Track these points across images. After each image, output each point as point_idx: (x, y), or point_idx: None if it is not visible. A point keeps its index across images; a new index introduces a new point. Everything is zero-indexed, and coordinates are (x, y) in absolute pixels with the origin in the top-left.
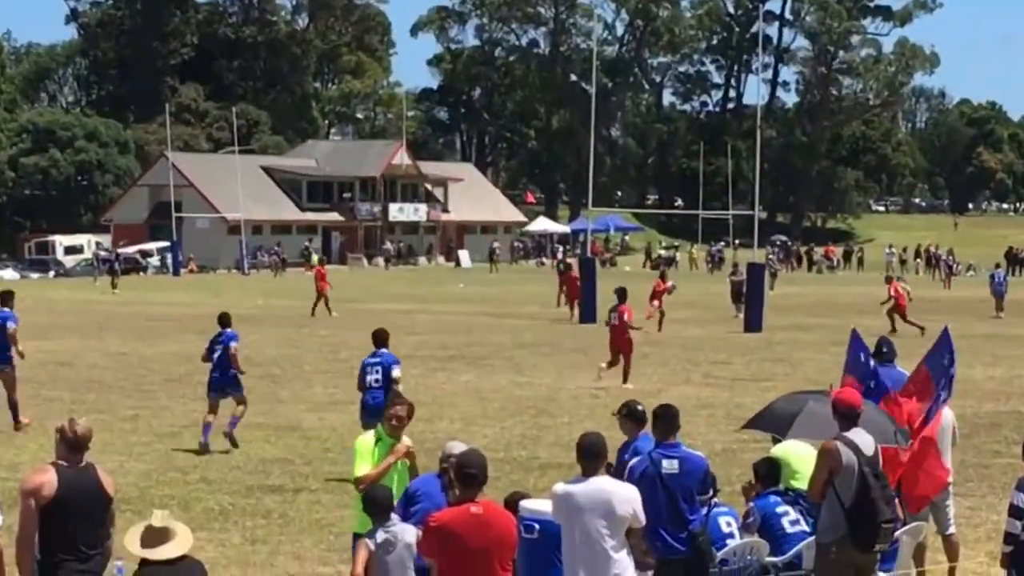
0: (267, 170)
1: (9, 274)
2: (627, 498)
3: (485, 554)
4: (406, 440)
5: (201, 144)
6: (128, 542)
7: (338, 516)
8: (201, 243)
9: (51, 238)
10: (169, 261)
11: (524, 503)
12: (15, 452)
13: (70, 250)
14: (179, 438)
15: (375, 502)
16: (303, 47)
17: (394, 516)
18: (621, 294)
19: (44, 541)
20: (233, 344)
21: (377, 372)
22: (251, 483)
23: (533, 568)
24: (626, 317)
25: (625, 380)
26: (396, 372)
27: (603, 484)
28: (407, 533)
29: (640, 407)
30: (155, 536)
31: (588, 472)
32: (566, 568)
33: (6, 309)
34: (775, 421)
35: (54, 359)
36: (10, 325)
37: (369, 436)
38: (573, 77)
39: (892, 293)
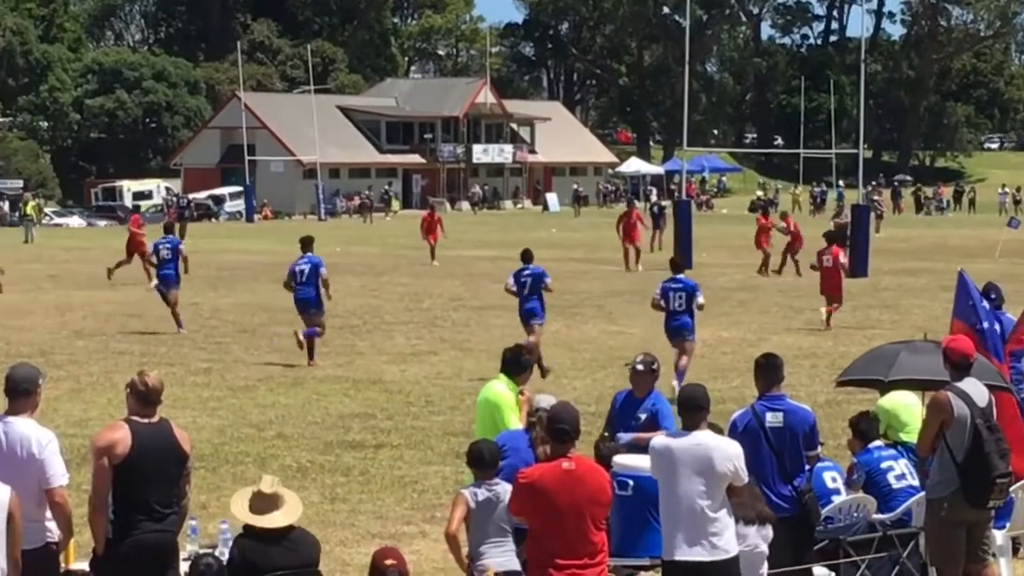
0: (344, 110)
1: (75, 221)
2: (728, 454)
3: (577, 512)
4: (527, 391)
5: (275, 83)
6: (235, 507)
7: (421, 473)
8: (275, 188)
9: (118, 183)
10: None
11: (617, 458)
12: (83, 408)
13: (138, 196)
14: (254, 392)
15: (483, 456)
16: None
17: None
18: (831, 237)
19: (117, 500)
20: (323, 269)
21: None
22: (330, 439)
23: (628, 526)
24: (842, 259)
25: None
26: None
27: (704, 439)
28: (508, 492)
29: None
30: (264, 502)
31: (689, 425)
32: (664, 526)
33: (313, 254)
34: (870, 369)
35: (123, 311)
36: (322, 270)
37: (503, 387)
38: (666, 9)
39: None
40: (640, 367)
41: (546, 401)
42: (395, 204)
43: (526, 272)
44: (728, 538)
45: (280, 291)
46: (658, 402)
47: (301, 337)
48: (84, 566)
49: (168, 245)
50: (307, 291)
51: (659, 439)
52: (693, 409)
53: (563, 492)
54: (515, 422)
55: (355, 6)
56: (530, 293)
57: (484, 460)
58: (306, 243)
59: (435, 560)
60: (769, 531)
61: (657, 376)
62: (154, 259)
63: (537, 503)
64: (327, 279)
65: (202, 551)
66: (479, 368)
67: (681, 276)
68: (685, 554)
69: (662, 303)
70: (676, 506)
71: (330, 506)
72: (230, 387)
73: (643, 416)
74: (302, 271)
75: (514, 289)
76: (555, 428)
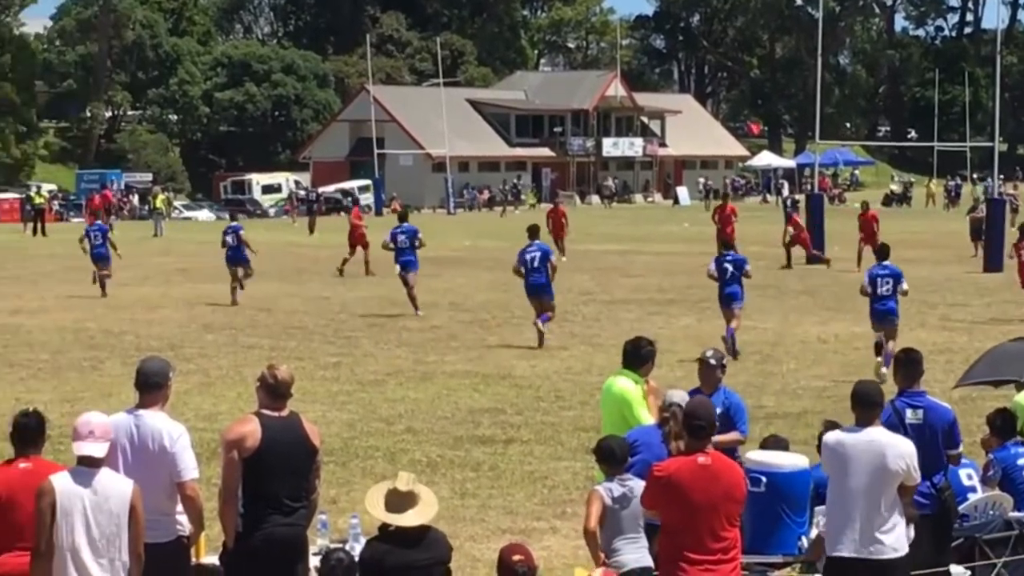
0: (473, 103)
1: (204, 215)
2: (901, 452)
3: (712, 507)
4: (652, 382)
5: (404, 76)
6: (369, 503)
7: (551, 468)
8: (404, 181)
9: (247, 177)
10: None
11: (750, 454)
12: (213, 402)
13: (267, 189)
14: (383, 386)
15: (613, 452)
16: None
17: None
18: None
19: (247, 494)
20: (552, 256)
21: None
22: (459, 434)
23: (760, 523)
24: None
25: None
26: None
27: (877, 435)
28: (641, 488)
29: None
30: (399, 500)
31: (862, 421)
32: (831, 522)
33: (540, 242)
34: (1001, 370)
35: (252, 305)
36: (552, 257)
37: (628, 381)
38: (798, 1)
39: None
40: (712, 361)
41: (679, 396)
42: (531, 197)
43: (531, 249)
44: (897, 537)
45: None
46: (730, 397)
47: (540, 326)
48: (214, 560)
49: (405, 233)
50: (538, 277)
51: (833, 434)
52: (867, 405)
53: (698, 488)
54: (645, 416)
55: None
56: (540, 267)
57: (615, 456)
58: (533, 232)
59: (565, 556)
60: (912, 531)
61: (725, 372)
62: (392, 245)
63: (671, 497)
64: (556, 265)
65: (333, 546)
66: (609, 363)
67: (888, 262)
68: (851, 550)
69: (869, 288)
70: (845, 502)
71: (460, 501)
72: (359, 381)
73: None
74: (532, 258)
75: (521, 269)
76: (692, 424)
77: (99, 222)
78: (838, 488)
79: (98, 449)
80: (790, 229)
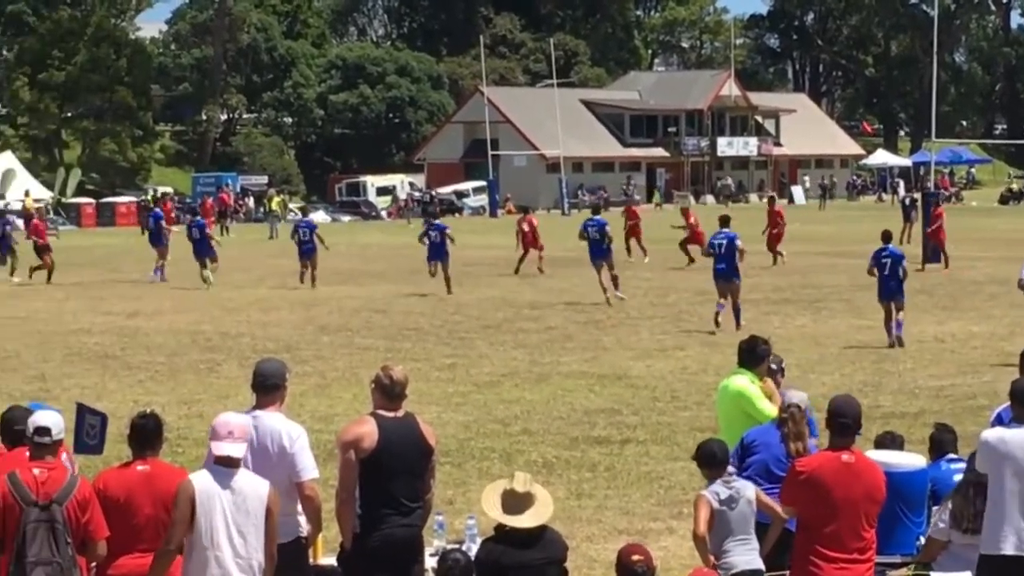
0: (587, 104)
1: (320, 217)
2: None
3: (853, 506)
4: (769, 381)
5: (517, 77)
6: (486, 504)
7: (667, 469)
8: (518, 182)
9: (362, 179)
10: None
11: (869, 453)
12: (329, 403)
13: (382, 191)
14: (499, 387)
15: (715, 455)
16: None
17: (730, 468)
18: None
19: (364, 494)
20: (739, 242)
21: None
22: (575, 434)
23: (879, 523)
24: None
25: None
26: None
27: None
28: (748, 489)
29: None
30: (516, 501)
31: (1021, 418)
32: (988, 519)
33: (729, 230)
34: None
35: (367, 306)
36: (738, 243)
37: (745, 380)
38: None
39: None
40: (772, 366)
41: (798, 397)
42: (656, 196)
43: (719, 236)
44: None
45: (524, 287)
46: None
47: (720, 314)
48: (332, 561)
49: (596, 226)
50: (725, 263)
51: (992, 431)
52: None
53: (840, 485)
54: (769, 409)
55: None
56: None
57: (716, 458)
58: (724, 220)
59: (682, 557)
60: None
61: (783, 376)
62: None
63: (812, 494)
64: (744, 250)
65: (449, 546)
66: (726, 362)
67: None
68: (1014, 548)
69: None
70: (1003, 499)
71: (576, 502)
72: (475, 382)
73: None
74: (720, 244)
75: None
76: (838, 422)
77: (199, 218)
78: (997, 486)
79: (237, 449)
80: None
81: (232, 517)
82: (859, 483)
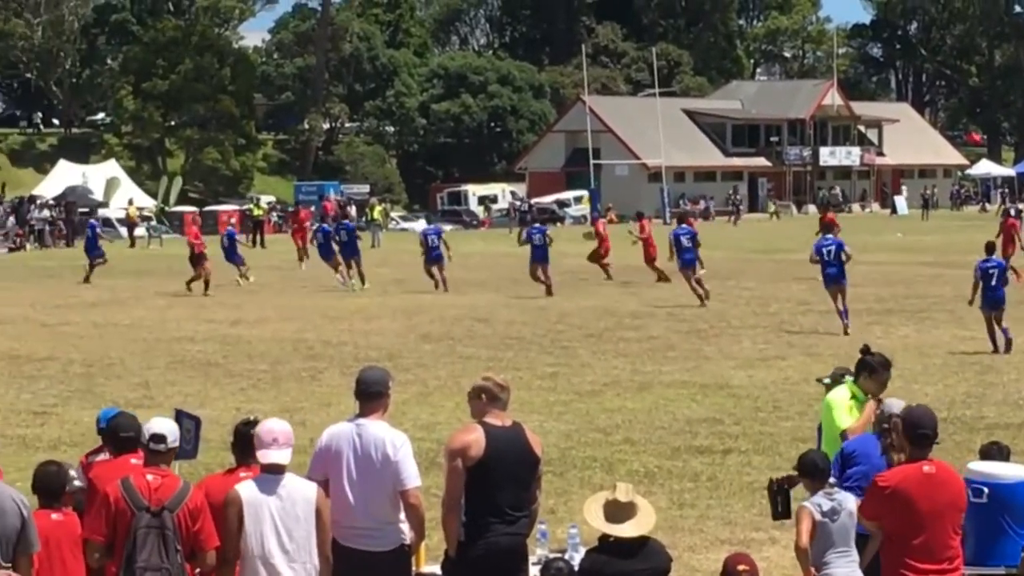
0: (689, 113)
1: (421, 226)
2: None
3: (938, 516)
4: (872, 403)
5: (619, 86)
6: (588, 513)
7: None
8: (620, 191)
9: (463, 188)
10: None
11: (972, 464)
12: (431, 412)
13: (483, 200)
14: (601, 396)
15: (816, 465)
16: None
17: (831, 479)
18: None
19: (470, 503)
20: (846, 248)
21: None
22: (677, 444)
23: (983, 535)
24: None
25: None
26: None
27: None
28: (849, 500)
29: None
30: (618, 511)
31: None
32: None
33: (829, 236)
34: None
35: (470, 315)
36: (846, 248)
37: (844, 392)
38: (1018, 8)
39: None
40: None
41: (897, 406)
42: (771, 206)
43: (827, 242)
44: None
45: (626, 296)
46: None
47: (844, 320)
48: (435, 569)
49: (686, 234)
50: (834, 268)
51: None
52: None
53: (924, 497)
54: (844, 420)
55: (700, 8)
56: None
57: (818, 469)
58: (827, 227)
59: (785, 567)
60: None
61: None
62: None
63: (896, 507)
64: (850, 255)
65: (552, 556)
66: (827, 372)
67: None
68: None
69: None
70: None
71: (678, 512)
72: (576, 391)
73: None
74: (829, 250)
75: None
76: (916, 433)
77: (324, 225)
78: None
79: (283, 456)
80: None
81: (281, 523)
82: (943, 493)
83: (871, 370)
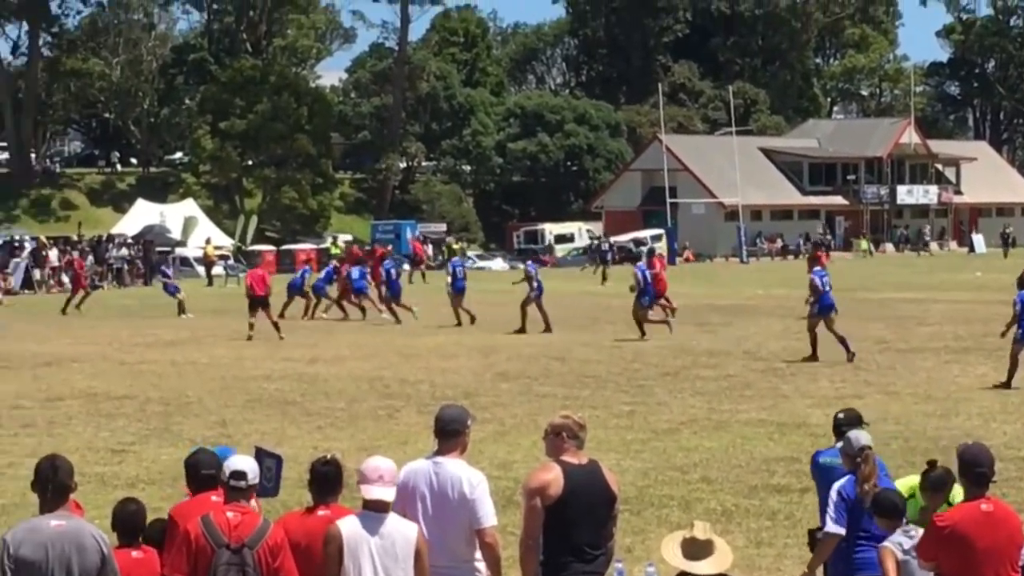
0: (766, 152)
1: (498, 264)
2: None
3: (998, 553)
4: None
5: (696, 125)
6: (665, 551)
7: None
8: (697, 229)
9: (540, 226)
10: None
11: None
12: (507, 450)
13: (560, 239)
14: (677, 435)
15: (895, 506)
16: (803, 21)
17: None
18: None
19: (548, 541)
20: None
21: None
22: (754, 483)
23: None
24: None
25: None
26: None
27: None
28: None
29: None
30: (696, 548)
31: None
32: None
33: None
34: None
35: (546, 353)
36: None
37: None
38: None
39: None
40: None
41: (865, 438)
42: (864, 244)
43: None
44: None
45: (702, 334)
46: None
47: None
48: None
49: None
50: (829, 298)
51: None
52: None
53: (983, 535)
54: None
55: (777, 47)
56: None
57: (896, 509)
58: (815, 260)
59: None
60: None
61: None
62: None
63: (957, 547)
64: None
65: None
66: (905, 411)
67: None
68: None
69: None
70: None
71: (755, 550)
72: (653, 430)
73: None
74: (824, 280)
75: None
76: (975, 472)
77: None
78: None
79: (387, 493)
80: None
81: (381, 562)
82: (1001, 531)
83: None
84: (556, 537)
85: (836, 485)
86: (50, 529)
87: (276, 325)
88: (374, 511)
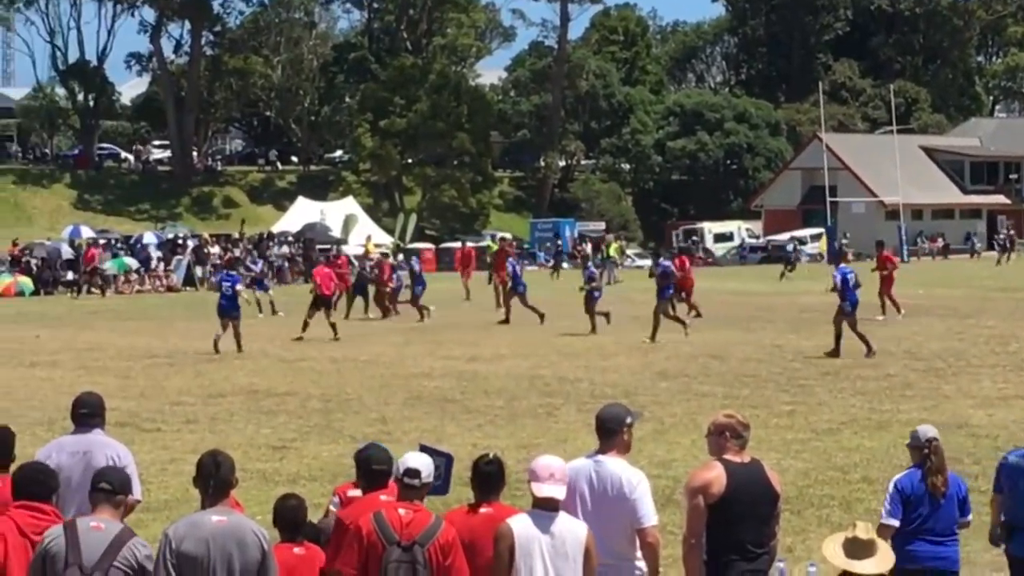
0: (927, 150)
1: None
2: None
3: None
4: None
5: (856, 124)
6: (827, 550)
7: None
8: (857, 228)
9: (699, 225)
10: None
11: None
12: (667, 449)
13: (719, 237)
14: (838, 435)
15: None
16: (965, 18)
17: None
18: None
19: (710, 540)
20: None
21: None
22: None
23: None
24: None
25: None
26: None
27: None
28: None
29: None
30: (858, 548)
31: None
32: None
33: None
34: None
35: (705, 352)
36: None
37: None
38: None
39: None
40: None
41: (932, 431)
42: None
43: None
44: None
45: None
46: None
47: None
48: None
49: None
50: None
51: None
52: None
53: None
54: None
55: (939, 45)
56: None
57: None
58: (842, 256)
59: None
60: None
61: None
62: None
63: None
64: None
65: None
66: None
67: None
68: None
69: None
70: None
71: None
72: (814, 429)
73: None
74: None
75: None
76: None
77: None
78: None
79: (559, 491)
80: None
81: (551, 561)
82: None
83: None
84: (719, 535)
85: (893, 478)
86: (211, 524)
87: (333, 326)
88: (545, 509)
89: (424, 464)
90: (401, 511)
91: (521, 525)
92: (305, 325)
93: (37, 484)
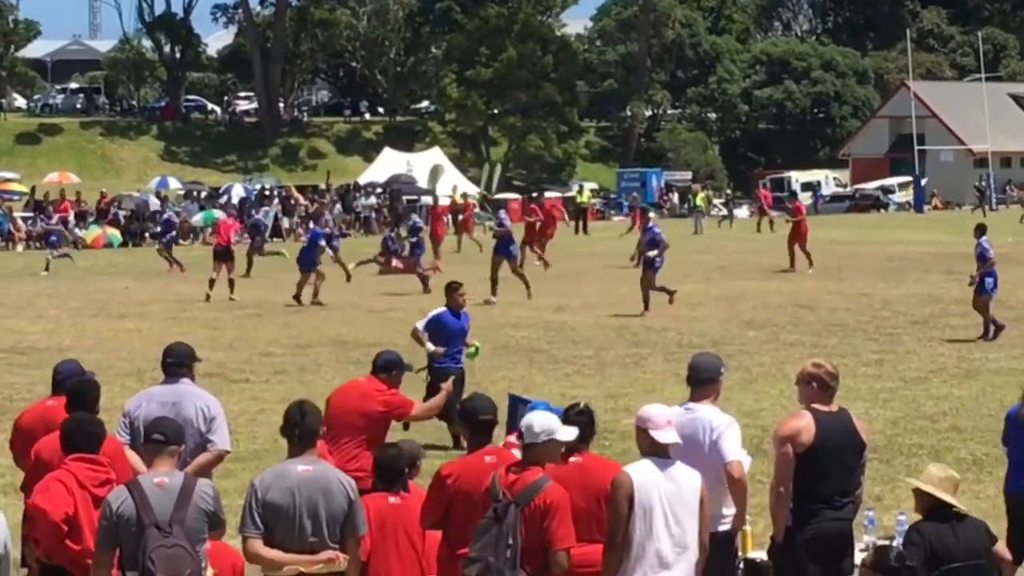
0: (1016, 98)
1: (743, 212)
2: None
3: None
4: None
5: (944, 71)
6: (916, 483)
7: None
8: (945, 177)
9: (786, 174)
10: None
11: None
12: (755, 398)
13: (806, 187)
14: (927, 383)
15: None
16: None
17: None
18: None
19: (797, 488)
20: None
21: None
22: None
23: None
24: None
25: None
26: None
27: None
28: None
29: None
30: (943, 484)
31: None
32: None
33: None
34: None
35: (792, 302)
36: None
37: None
38: None
39: None
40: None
41: None
42: None
43: None
44: None
45: (951, 282)
46: None
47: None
48: (762, 555)
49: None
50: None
51: None
52: None
53: None
54: None
55: None
56: None
57: None
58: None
59: None
60: None
61: None
62: None
63: None
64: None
65: (880, 542)
66: None
67: None
68: None
69: None
70: None
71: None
72: (902, 378)
73: None
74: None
75: None
76: None
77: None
78: None
79: (676, 437)
80: None
81: (670, 507)
82: None
83: None
84: (806, 484)
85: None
86: (297, 474)
87: (231, 283)
88: (662, 457)
89: (543, 423)
90: (513, 470)
91: (640, 473)
92: (211, 283)
93: (86, 436)
